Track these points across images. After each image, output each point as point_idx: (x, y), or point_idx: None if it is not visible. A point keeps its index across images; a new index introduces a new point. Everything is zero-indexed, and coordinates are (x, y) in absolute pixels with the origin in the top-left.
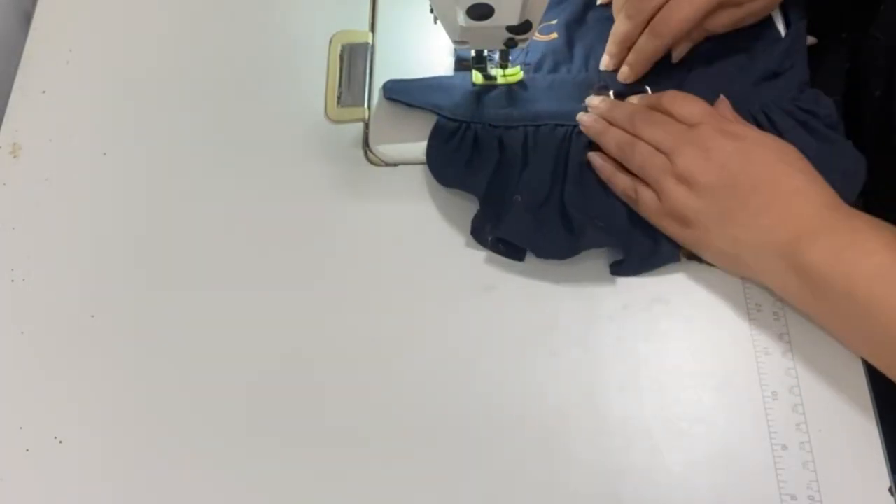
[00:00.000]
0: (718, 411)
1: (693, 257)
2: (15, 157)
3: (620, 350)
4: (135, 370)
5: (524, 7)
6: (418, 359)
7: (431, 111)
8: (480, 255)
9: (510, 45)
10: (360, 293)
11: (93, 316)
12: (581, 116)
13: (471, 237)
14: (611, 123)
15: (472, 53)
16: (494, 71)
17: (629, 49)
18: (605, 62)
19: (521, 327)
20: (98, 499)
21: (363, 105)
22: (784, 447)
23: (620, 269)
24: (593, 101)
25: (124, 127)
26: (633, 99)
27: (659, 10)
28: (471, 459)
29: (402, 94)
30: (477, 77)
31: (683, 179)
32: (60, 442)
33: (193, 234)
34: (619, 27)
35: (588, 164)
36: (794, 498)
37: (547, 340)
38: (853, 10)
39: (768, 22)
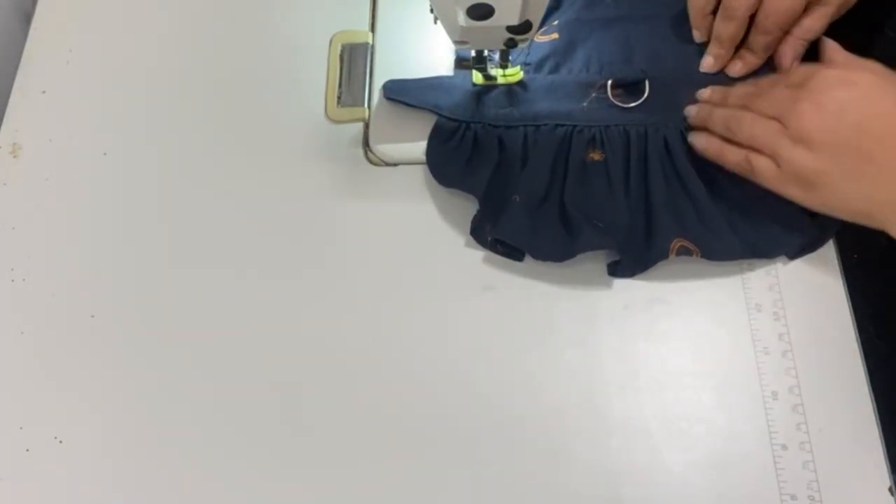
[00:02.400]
0: (718, 411)
1: (683, 253)
2: (15, 157)
3: (620, 350)
4: (135, 370)
5: (524, 7)
6: (418, 359)
7: (431, 111)
8: (480, 255)
9: (510, 45)
10: (360, 293)
11: (93, 316)
12: (689, 108)
13: (470, 237)
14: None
15: (472, 53)
16: (494, 71)
17: (733, 49)
18: (709, 63)
19: (521, 327)
20: (98, 499)
21: (363, 105)
22: (784, 447)
23: (617, 269)
24: (704, 93)
25: (124, 127)
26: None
27: (756, 5)
28: (471, 459)
29: (401, 93)
30: (477, 77)
31: (800, 139)
32: (60, 442)
33: (193, 234)
34: (723, 28)
35: (585, 162)
36: (794, 498)
37: (547, 340)
38: (864, 6)
39: None
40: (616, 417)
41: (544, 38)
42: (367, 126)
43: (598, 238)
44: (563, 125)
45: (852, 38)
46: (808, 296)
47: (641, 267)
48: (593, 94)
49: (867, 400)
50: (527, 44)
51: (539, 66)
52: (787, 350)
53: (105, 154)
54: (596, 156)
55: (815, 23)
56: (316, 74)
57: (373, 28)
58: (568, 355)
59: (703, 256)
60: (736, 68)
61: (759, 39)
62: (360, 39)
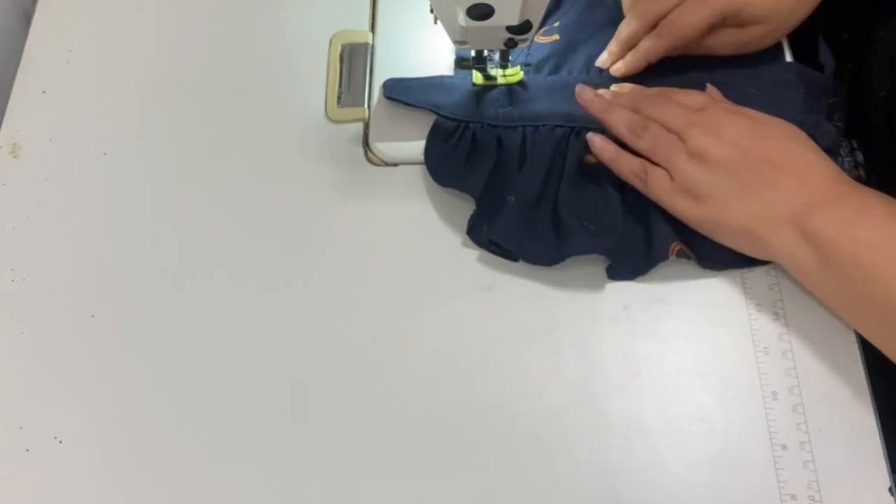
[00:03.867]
0: (718, 411)
1: (682, 255)
2: (15, 157)
3: (620, 350)
4: (135, 370)
5: (524, 7)
6: (417, 358)
7: (431, 110)
8: (480, 255)
9: (510, 45)
10: (360, 292)
11: (93, 316)
12: (582, 88)
13: (469, 237)
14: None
15: (472, 53)
16: (494, 71)
17: (630, 49)
18: (604, 59)
19: (521, 327)
20: (98, 499)
21: (363, 105)
22: (784, 447)
23: (616, 272)
24: (601, 90)
25: (124, 127)
26: (626, 86)
27: (666, 14)
28: (470, 459)
29: (401, 93)
30: (477, 77)
31: (696, 155)
32: (60, 442)
33: (193, 234)
34: (625, 27)
35: (582, 164)
36: (794, 498)
37: (547, 340)
38: (857, 9)
39: (777, 50)
40: (616, 417)
41: (545, 39)
42: (366, 126)
43: (588, 242)
44: (561, 126)
45: (847, 41)
46: (808, 295)
47: (641, 270)
48: None
49: (867, 400)
50: (527, 44)
51: (539, 67)
52: (787, 350)
53: (105, 154)
54: (593, 158)
55: (720, 41)
56: (316, 74)
57: (373, 28)
58: (568, 355)
59: (697, 262)
60: (616, 68)
61: (650, 43)
62: (360, 39)
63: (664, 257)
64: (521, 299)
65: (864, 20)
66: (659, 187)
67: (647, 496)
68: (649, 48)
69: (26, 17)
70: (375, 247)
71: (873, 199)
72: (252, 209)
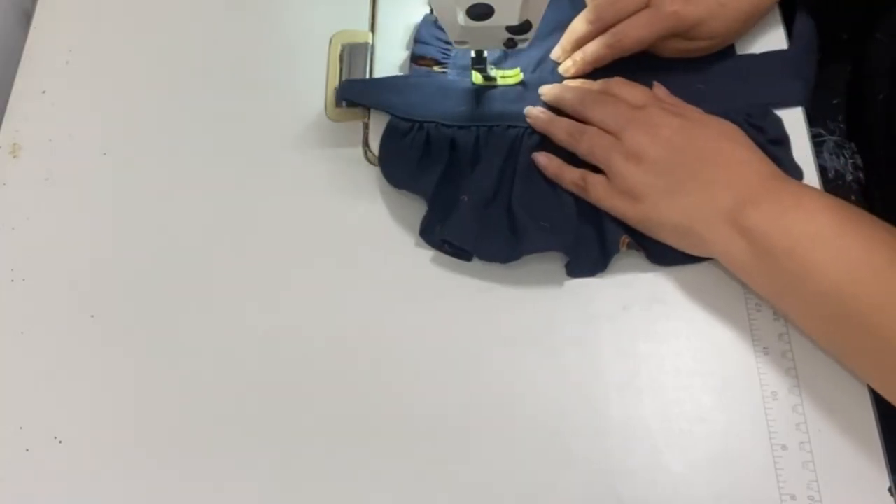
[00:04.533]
0: (718, 411)
1: (633, 248)
2: (15, 157)
3: (620, 350)
4: (135, 370)
5: (524, 7)
6: (417, 358)
7: (385, 111)
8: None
9: (510, 45)
10: (359, 292)
11: (93, 316)
12: (529, 109)
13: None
14: (560, 109)
15: (473, 53)
16: (494, 72)
17: (575, 49)
18: (557, 54)
19: (521, 327)
20: (98, 499)
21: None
22: (784, 447)
23: (573, 270)
24: (545, 88)
25: (124, 127)
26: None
27: (617, 22)
28: (470, 459)
29: (355, 94)
30: (476, 77)
31: (632, 156)
32: (60, 442)
33: (193, 234)
34: (578, 27)
35: (533, 165)
36: (793, 498)
37: (546, 341)
38: (856, 12)
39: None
40: (616, 417)
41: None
42: (366, 126)
43: (543, 239)
44: (515, 126)
45: (846, 43)
46: None
47: (600, 266)
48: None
49: (867, 400)
50: (527, 44)
51: (498, 65)
52: (787, 350)
53: (105, 154)
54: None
55: (666, 47)
56: (316, 74)
57: (373, 28)
58: (568, 355)
59: (647, 258)
60: (565, 68)
61: (598, 49)
62: (360, 39)
63: (616, 251)
64: (521, 299)
65: (864, 23)
66: (597, 191)
67: (647, 496)
68: (597, 55)
69: (26, 17)
70: (375, 247)
71: (805, 193)
72: (252, 209)
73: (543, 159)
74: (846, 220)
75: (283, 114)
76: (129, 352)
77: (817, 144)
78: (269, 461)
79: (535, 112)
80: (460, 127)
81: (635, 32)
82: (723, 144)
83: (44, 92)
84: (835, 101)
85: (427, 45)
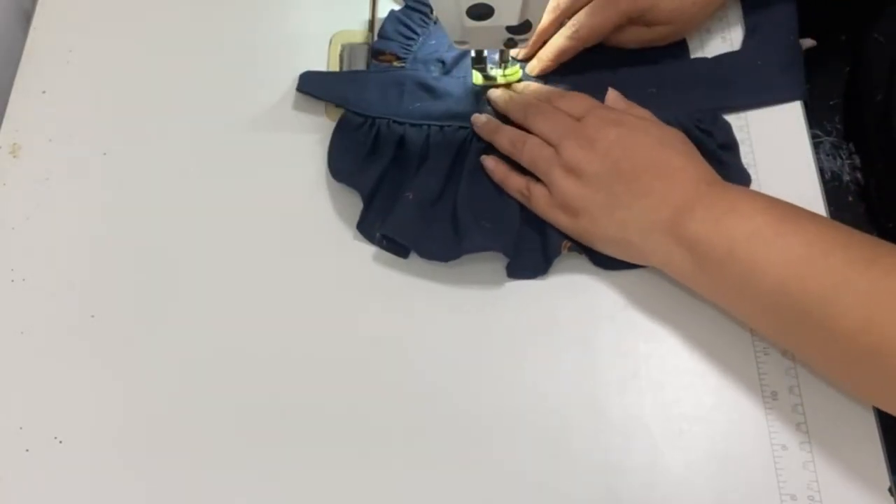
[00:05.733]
0: (718, 411)
1: (574, 249)
2: (15, 157)
3: (620, 350)
4: (135, 370)
5: (524, 7)
6: (418, 358)
7: (339, 105)
8: (479, 254)
9: (510, 45)
10: (359, 293)
11: (93, 316)
12: (475, 117)
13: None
14: (506, 118)
15: (473, 53)
16: (494, 71)
17: (544, 43)
18: (524, 53)
19: (521, 327)
20: (98, 499)
21: None
22: (784, 447)
23: (514, 271)
24: (494, 92)
25: (124, 127)
26: (530, 87)
27: (574, 12)
28: (470, 459)
29: (313, 86)
30: (476, 77)
31: (570, 170)
32: (60, 442)
33: (193, 234)
34: (542, 21)
35: (480, 167)
36: (794, 498)
37: (547, 340)
38: (854, 12)
39: (681, 47)
40: (616, 417)
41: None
42: None
43: (483, 240)
44: (465, 128)
45: (844, 43)
46: None
47: (542, 269)
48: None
49: None
50: (527, 44)
51: (454, 65)
52: (787, 350)
53: (105, 154)
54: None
55: (626, 37)
56: None
57: (373, 28)
58: (568, 354)
59: (590, 261)
60: (531, 66)
61: (559, 41)
62: (359, 39)
63: (557, 254)
64: (521, 299)
65: (861, 23)
66: (539, 203)
67: (647, 496)
68: (559, 48)
69: (26, 17)
70: (375, 247)
71: (740, 196)
72: (252, 209)
73: (491, 163)
74: (783, 218)
75: (282, 114)
76: (130, 352)
77: (814, 145)
78: (269, 461)
79: (481, 120)
80: (412, 125)
81: (590, 20)
82: (660, 153)
83: (44, 92)
84: (832, 102)
85: (389, 40)
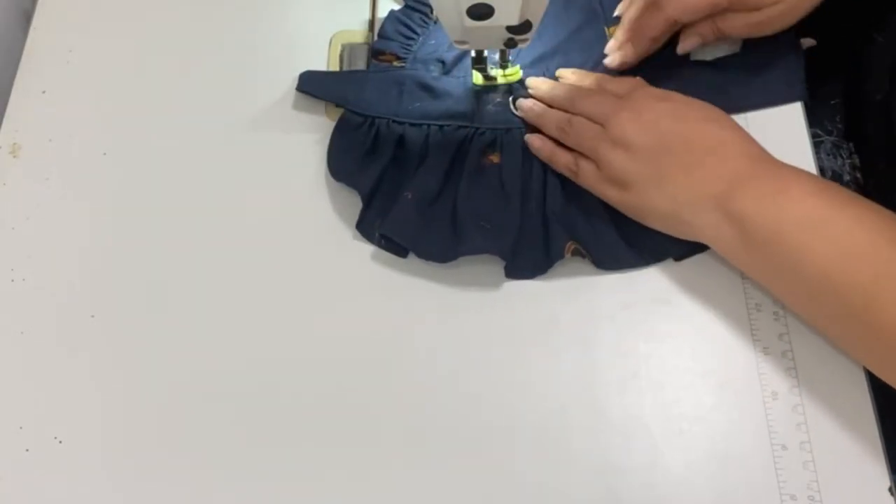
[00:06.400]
0: (718, 411)
1: (577, 254)
2: (15, 157)
3: (620, 350)
4: (135, 370)
5: (524, 7)
6: (417, 358)
7: (338, 105)
8: (480, 255)
9: (510, 45)
10: (359, 293)
11: (93, 316)
12: (521, 101)
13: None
14: (550, 106)
15: (473, 53)
16: (494, 71)
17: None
18: (609, 46)
19: (521, 327)
20: (98, 499)
21: None
22: (784, 447)
23: (512, 272)
24: (534, 80)
25: (124, 127)
26: (570, 78)
27: None
28: (470, 459)
29: (312, 86)
30: (477, 77)
31: (619, 143)
32: (60, 442)
33: (193, 234)
34: (631, 12)
35: (481, 166)
36: (794, 498)
37: (547, 340)
38: (853, 13)
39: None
40: (616, 417)
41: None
42: None
43: (482, 242)
44: (465, 126)
45: (844, 44)
46: None
47: (541, 269)
48: (497, 99)
49: (867, 400)
50: (526, 44)
51: (454, 65)
52: (787, 350)
53: (105, 154)
54: (494, 158)
55: (732, 23)
56: None
57: (373, 28)
58: (568, 355)
59: (593, 263)
60: (623, 54)
61: (652, 18)
62: (360, 39)
63: (560, 256)
64: (521, 299)
65: (861, 24)
66: (588, 178)
67: (647, 496)
68: (652, 24)
69: (26, 17)
70: (375, 247)
71: (792, 177)
72: (252, 209)
73: (537, 141)
74: (833, 203)
75: (282, 114)
76: (130, 352)
77: (815, 145)
78: (269, 460)
79: (527, 104)
80: (412, 124)
81: (692, 3)
82: (708, 127)
83: (44, 92)
84: (832, 102)
85: (389, 40)
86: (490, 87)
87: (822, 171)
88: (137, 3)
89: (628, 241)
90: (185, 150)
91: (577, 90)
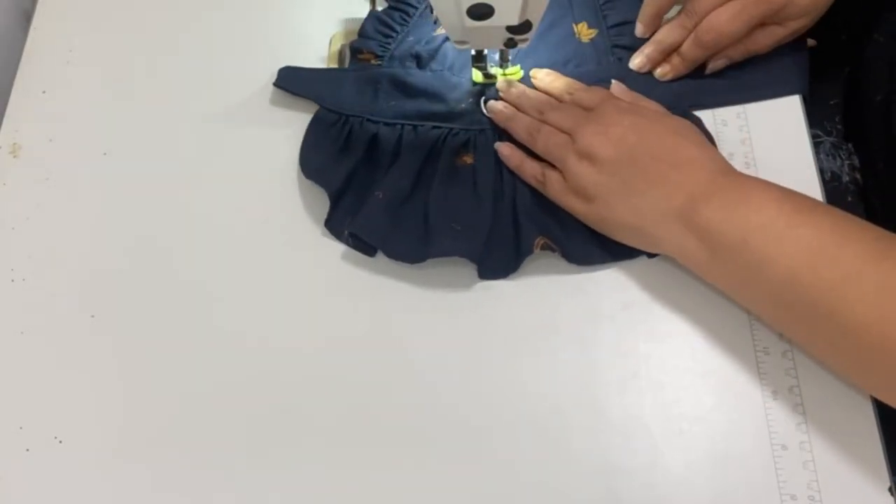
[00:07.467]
0: (718, 411)
1: (547, 248)
2: (15, 157)
3: (620, 350)
4: (135, 370)
5: (524, 7)
6: (417, 357)
7: (314, 101)
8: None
9: (510, 45)
10: (359, 293)
11: (93, 316)
12: (491, 104)
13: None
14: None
15: (473, 52)
16: (494, 69)
17: (666, 55)
18: (640, 63)
19: (521, 327)
20: (98, 499)
21: None
22: (784, 447)
23: (484, 273)
24: (504, 85)
25: (124, 127)
26: (543, 80)
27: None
28: (470, 459)
29: (289, 82)
30: (477, 76)
31: (585, 156)
32: (60, 442)
33: (193, 234)
34: (668, 35)
35: (454, 167)
36: (794, 498)
37: (547, 340)
38: (853, 12)
39: None
40: (616, 417)
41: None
42: None
43: (451, 244)
44: (439, 127)
45: (844, 44)
46: None
47: (512, 267)
48: (470, 99)
49: (867, 400)
50: (526, 44)
51: (430, 59)
52: (787, 350)
53: (105, 154)
54: (468, 159)
55: (761, 42)
56: None
57: None
58: (568, 355)
59: (563, 257)
60: (663, 71)
61: (694, 52)
62: None
63: (529, 252)
64: (521, 299)
65: (861, 24)
66: (554, 189)
67: (647, 496)
68: (690, 56)
69: (26, 17)
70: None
71: (753, 186)
72: (251, 208)
73: (506, 150)
74: (796, 209)
75: (282, 113)
76: (130, 352)
77: (814, 145)
78: (270, 461)
79: (497, 106)
80: (386, 123)
81: (724, 28)
82: (674, 141)
83: (44, 92)
84: (832, 102)
85: (368, 39)
86: (489, 85)
87: (821, 171)
88: (137, 3)
89: (599, 238)
90: (185, 150)
91: (546, 100)
